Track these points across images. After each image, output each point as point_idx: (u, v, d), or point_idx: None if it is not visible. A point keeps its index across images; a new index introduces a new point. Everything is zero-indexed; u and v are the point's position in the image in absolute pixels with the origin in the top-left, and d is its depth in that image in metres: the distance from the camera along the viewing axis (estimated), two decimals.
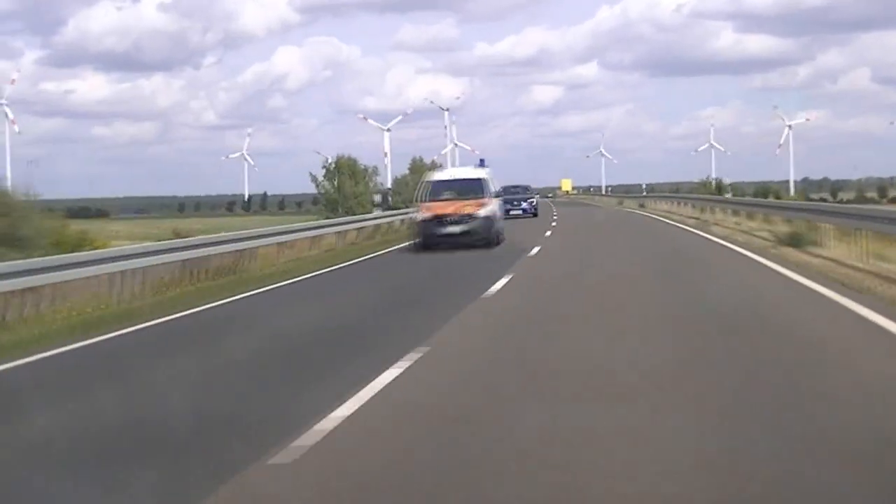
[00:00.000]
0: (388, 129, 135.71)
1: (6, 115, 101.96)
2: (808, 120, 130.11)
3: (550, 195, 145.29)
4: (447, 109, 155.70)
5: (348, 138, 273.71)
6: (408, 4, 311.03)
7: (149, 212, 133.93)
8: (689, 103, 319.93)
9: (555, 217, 43.96)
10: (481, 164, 34.13)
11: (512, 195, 44.51)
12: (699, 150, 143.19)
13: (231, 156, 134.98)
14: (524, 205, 46.92)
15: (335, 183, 58.86)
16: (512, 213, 41.68)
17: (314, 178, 60.63)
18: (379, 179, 63.33)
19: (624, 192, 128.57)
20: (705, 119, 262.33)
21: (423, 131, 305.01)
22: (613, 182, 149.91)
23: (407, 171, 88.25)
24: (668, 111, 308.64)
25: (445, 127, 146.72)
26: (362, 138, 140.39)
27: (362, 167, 61.91)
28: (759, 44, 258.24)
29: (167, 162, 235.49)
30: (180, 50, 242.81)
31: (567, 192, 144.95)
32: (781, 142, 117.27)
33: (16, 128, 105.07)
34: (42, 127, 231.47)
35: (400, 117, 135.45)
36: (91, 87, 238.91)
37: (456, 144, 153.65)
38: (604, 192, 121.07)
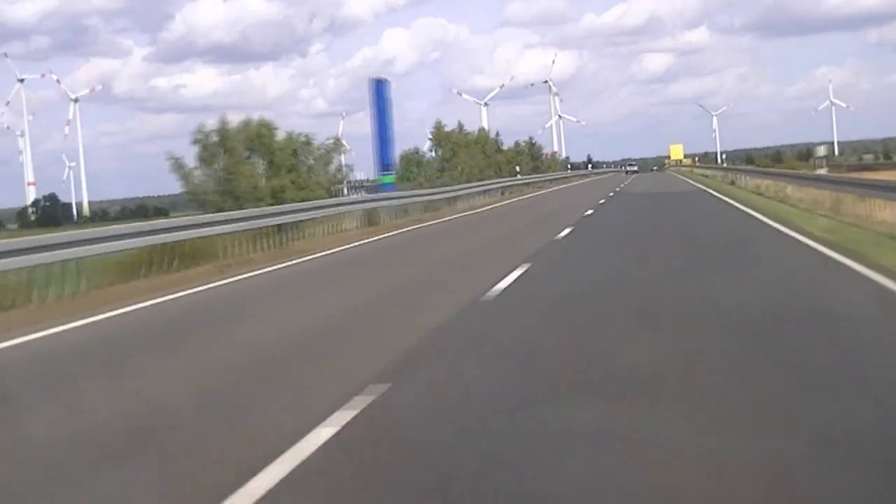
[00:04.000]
0: (486, 104, 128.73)
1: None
2: None
3: (655, 167, 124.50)
4: (546, 81, 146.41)
5: (458, 117, 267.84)
6: None
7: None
8: (803, 63, 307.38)
9: None
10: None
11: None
12: (819, 108, 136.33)
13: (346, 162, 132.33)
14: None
15: (215, 169, 29.44)
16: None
17: (177, 165, 28.91)
18: (345, 160, 37.26)
19: (744, 158, 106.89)
20: (821, 77, 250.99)
21: (536, 107, 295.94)
22: (728, 148, 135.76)
23: (428, 142, 63.27)
24: (782, 72, 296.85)
25: (553, 91, 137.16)
26: (472, 117, 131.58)
27: (301, 139, 31.16)
28: None
29: None
30: (288, 39, 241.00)
31: (679, 160, 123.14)
32: None
33: (99, 87, 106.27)
34: (155, 124, 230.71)
35: (497, 90, 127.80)
36: (201, 80, 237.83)
37: (560, 116, 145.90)
38: (721, 162, 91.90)
